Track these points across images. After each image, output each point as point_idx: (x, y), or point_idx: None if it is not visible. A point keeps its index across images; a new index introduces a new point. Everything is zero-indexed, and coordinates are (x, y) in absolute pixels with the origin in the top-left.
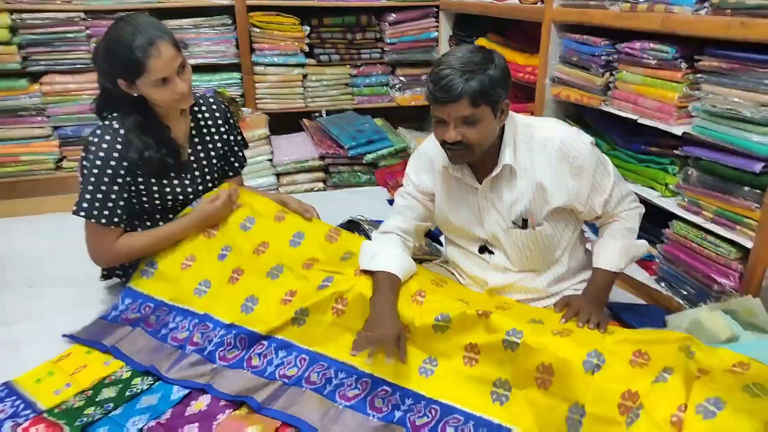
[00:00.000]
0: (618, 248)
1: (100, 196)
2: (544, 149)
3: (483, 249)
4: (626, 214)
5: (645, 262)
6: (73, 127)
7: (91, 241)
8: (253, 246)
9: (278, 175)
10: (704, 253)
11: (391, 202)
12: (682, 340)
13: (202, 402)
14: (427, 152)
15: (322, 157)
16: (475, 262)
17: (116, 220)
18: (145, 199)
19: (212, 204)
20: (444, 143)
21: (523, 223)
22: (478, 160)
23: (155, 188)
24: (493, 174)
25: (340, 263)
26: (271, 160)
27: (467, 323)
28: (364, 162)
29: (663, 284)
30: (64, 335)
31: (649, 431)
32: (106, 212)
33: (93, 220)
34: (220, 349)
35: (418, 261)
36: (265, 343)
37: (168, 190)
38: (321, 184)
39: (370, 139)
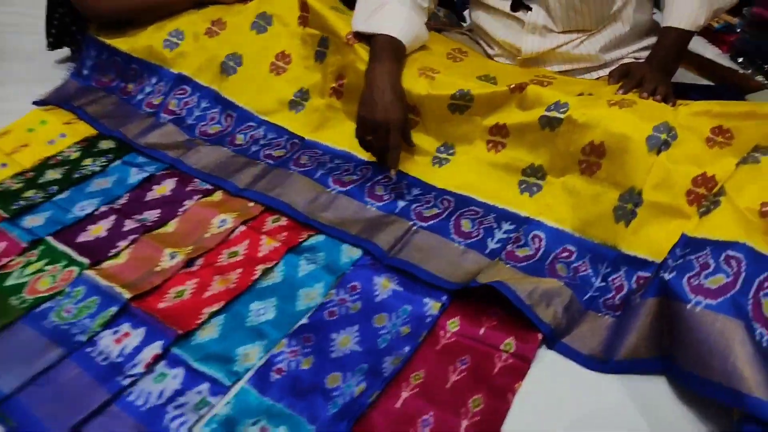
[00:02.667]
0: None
1: None
2: None
3: (517, 4)
4: None
5: (718, 34)
6: None
7: None
8: None
9: None
10: None
11: None
12: None
13: (166, 186)
14: None
15: None
16: (505, 23)
17: None
18: None
19: None
20: None
21: None
22: None
23: None
24: None
25: (337, 15)
26: None
27: (494, 101)
28: None
29: (741, 60)
30: (34, 102)
31: (732, 222)
32: None
33: None
34: (201, 124)
35: (436, 31)
36: (254, 124)
37: None
38: None
39: None
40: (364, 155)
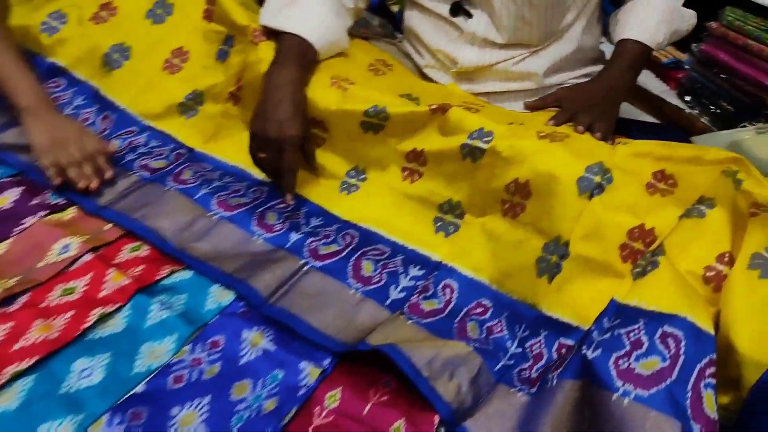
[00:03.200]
0: (657, 12)
1: None
2: None
3: (457, 8)
4: None
5: (666, 71)
6: None
7: None
8: None
9: None
10: (764, 53)
11: None
12: (727, 162)
13: (7, 198)
14: None
15: None
16: (442, 29)
17: None
18: None
19: (57, 125)
20: None
21: None
22: None
23: None
24: None
25: (242, 10)
26: None
27: (412, 123)
28: None
29: (688, 98)
30: None
31: (671, 289)
32: None
33: None
34: None
35: (363, 39)
36: (136, 129)
37: None
38: None
39: None
40: (259, 174)
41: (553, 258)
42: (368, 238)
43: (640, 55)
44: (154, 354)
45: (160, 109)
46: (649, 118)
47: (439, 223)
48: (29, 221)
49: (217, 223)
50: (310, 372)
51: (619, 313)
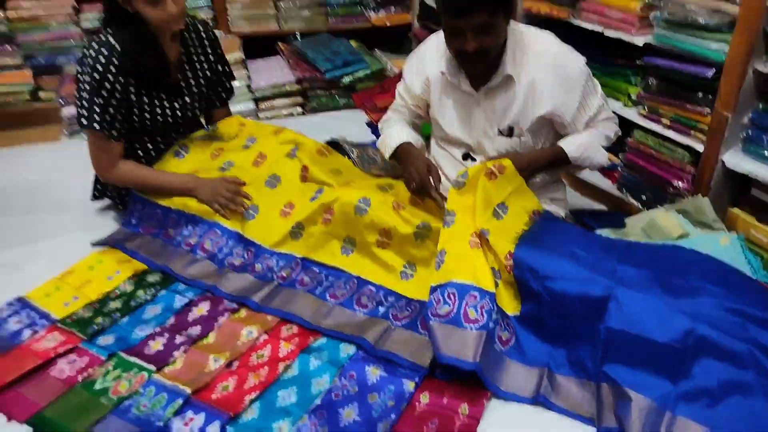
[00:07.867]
0: (581, 139)
1: (97, 108)
2: (540, 59)
3: (466, 156)
4: (603, 125)
5: (608, 171)
6: (47, 56)
7: (93, 152)
8: (252, 158)
9: (256, 100)
10: (661, 158)
11: (369, 124)
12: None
13: (203, 308)
14: (423, 56)
15: (299, 81)
16: (456, 167)
17: (115, 133)
18: (136, 117)
19: (209, 183)
20: (459, 53)
21: (509, 132)
22: (477, 67)
23: (146, 107)
24: (492, 83)
25: (329, 175)
26: (249, 86)
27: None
28: (341, 85)
29: (624, 190)
30: (93, 243)
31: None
32: (105, 122)
33: (96, 128)
34: (228, 258)
35: (396, 177)
36: (268, 255)
37: (159, 111)
38: (299, 109)
39: (346, 61)
40: (350, 270)
41: None
42: (424, 306)
43: (556, 154)
44: (319, 384)
45: (279, 239)
46: (599, 206)
47: None
48: (221, 320)
49: (333, 307)
50: (409, 384)
51: None
